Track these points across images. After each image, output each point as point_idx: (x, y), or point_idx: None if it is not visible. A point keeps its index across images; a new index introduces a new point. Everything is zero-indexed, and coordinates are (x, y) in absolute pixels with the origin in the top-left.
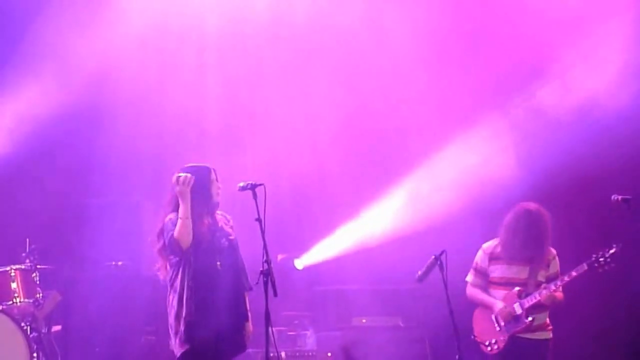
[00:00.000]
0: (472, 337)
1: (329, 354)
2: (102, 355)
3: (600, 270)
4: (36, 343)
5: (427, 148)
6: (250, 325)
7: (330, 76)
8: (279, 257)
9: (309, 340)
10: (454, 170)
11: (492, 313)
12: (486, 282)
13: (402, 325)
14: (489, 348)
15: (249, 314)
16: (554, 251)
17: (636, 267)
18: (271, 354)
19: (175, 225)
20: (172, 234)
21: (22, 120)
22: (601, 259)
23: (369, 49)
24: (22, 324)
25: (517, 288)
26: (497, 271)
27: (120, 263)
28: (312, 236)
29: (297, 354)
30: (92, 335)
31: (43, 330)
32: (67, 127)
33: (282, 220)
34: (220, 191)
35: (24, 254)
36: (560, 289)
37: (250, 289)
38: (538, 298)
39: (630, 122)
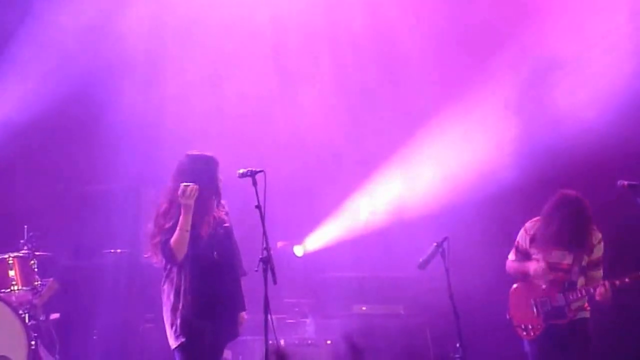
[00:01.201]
0: (507, 317)
1: (329, 342)
2: (101, 342)
3: None
4: (34, 331)
5: (429, 134)
6: (244, 314)
7: (329, 59)
8: (279, 244)
9: (309, 328)
10: (455, 157)
11: (535, 296)
12: (527, 256)
13: (402, 312)
14: (524, 332)
15: (244, 302)
16: (599, 235)
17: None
18: (270, 342)
19: (171, 226)
20: (169, 245)
21: (21, 108)
22: None
23: (362, 39)
24: (20, 312)
25: (560, 275)
26: (540, 254)
27: (119, 251)
28: (312, 223)
29: (297, 341)
30: (90, 323)
31: (41, 318)
32: (64, 114)
33: (282, 207)
34: (220, 183)
35: (22, 241)
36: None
37: (245, 274)
38: (583, 294)
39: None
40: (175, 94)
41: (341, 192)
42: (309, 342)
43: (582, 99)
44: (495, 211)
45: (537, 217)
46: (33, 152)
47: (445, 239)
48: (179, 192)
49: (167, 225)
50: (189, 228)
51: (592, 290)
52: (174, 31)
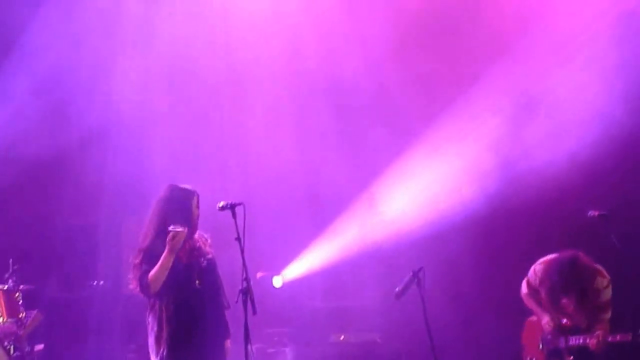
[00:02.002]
0: (521, 343)
1: None
2: None
3: None
4: None
5: (405, 164)
6: (229, 343)
7: (306, 98)
8: (258, 275)
9: (288, 357)
10: (429, 187)
11: (540, 331)
12: (538, 297)
13: (379, 341)
14: None
15: (229, 331)
16: (605, 280)
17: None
18: None
19: (150, 258)
20: (146, 278)
21: (4, 144)
22: None
23: (341, 79)
24: (5, 343)
25: (565, 320)
26: (545, 298)
27: (101, 282)
28: (290, 254)
29: None
30: (74, 354)
31: (26, 349)
32: (48, 149)
33: (261, 239)
34: (197, 215)
35: (6, 275)
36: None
37: (228, 307)
38: (581, 342)
39: (608, 137)
40: (158, 130)
41: (318, 224)
42: None
43: (554, 131)
44: (469, 241)
45: (546, 258)
46: (17, 186)
47: (421, 268)
48: (169, 237)
49: (147, 258)
50: (169, 267)
51: (588, 339)
52: (159, 75)
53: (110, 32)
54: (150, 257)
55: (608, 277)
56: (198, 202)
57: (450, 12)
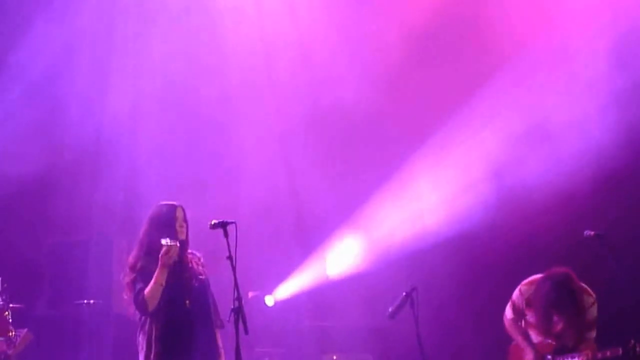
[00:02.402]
0: None
1: None
2: None
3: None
4: None
5: (397, 181)
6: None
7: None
8: (250, 294)
9: None
10: (424, 205)
11: (525, 356)
12: (522, 320)
13: None
14: None
15: (222, 351)
16: (591, 298)
17: (609, 303)
18: None
19: (143, 277)
20: (142, 296)
21: None
22: (638, 348)
23: (334, 98)
24: None
25: (551, 341)
26: (534, 317)
27: (92, 301)
28: (283, 273)
29: None
30: None
31: None
32: (37, 167)
33: (253, 258)
34: (185, 229)
35: None
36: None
37: (222, 326)
38: None
39: (605, 155)
40: (150, 149)
41: (310, 242)
42: None
43: (548, 151)
44: (463, 260)
45: (532, 278)
46: (6, 204)
47: (414, 288)
48: (162, 252)
49: (139, 276)
50: (163, 283)
51: (577, 358)
52: (151, 96)
53: (102, 51)
54: (142, 275)
55: (594, 295)
56: (185, 216)
57: (447, 34)
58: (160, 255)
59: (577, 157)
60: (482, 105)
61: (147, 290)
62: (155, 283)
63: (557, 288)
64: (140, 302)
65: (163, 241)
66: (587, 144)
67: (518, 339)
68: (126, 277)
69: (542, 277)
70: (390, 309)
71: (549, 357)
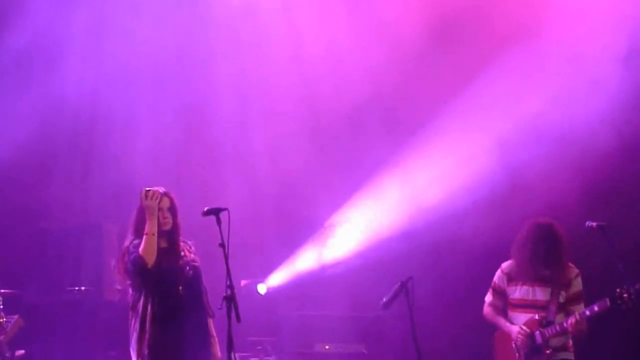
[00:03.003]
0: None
1: None
2: None
3: (624, 307)
4: None
5: (392, 171)
6: (217, 350)
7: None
8: (243, 282)
9: None
10: (419, 195)
11: (511, 340)
12: (505, 303)
13: (365, 352)
14: None
15: (215, 339)
16: (576, 270)
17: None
18: None
19: (137, 246)
20: (137, 254)
21: None
22: (625, 295)
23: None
24: None
25: (537, 316)
26: (517, 292)
27: (83, 288)
28: (276, 261)
29: None
30: None
31: (7, 355)
32: (25, 152)
33: (246, 245)
34: (170, 220)
35: None
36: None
37: (213, 315)
38: (558, 329)
39: (605, 149)
40: (143, 134)
41: (304, 230)
42: None
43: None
44: (458, 250)
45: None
46: None
47: (410, 278)
48: (142, 194)
49: (131, 249)
50: (155, 231)
51: (565, 324)
52: (144, 80)
53: (97, 34)
54: (135, 246)
55: (577, 270)
56: (172, 204)
57: (447, 26)
58: (141, 200)
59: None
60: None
61: (141, 247)
62: (147, 234)
63: (543, 234)
64: (137, 259)
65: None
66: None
67: (499, 322)
68: (117, 260)
69: (526, 223)
70: (384, 299)
71: (537, 332)
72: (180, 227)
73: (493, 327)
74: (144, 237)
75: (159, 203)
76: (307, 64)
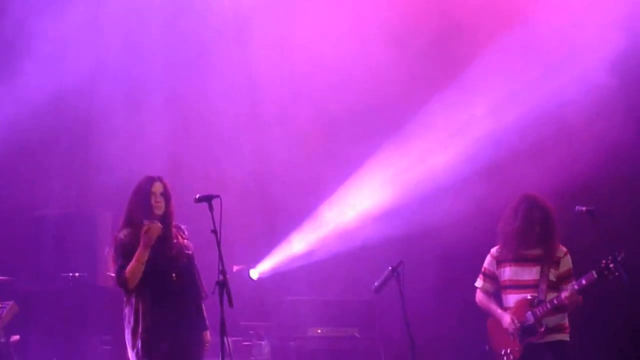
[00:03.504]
0: (486, 348)
1: None
2: None
3: (610, 277)
4: None
5: (383, 159)
6: (208, 335)
7: (281, 83)
8: (235, 268)
9: (265, 350)
10: (411, 181)
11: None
12: (497, 286)
13: (358, 335)
14: (504, 358)
15: (207, 323)
16: (564, 248)
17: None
18: None
19: (127, 252)
20: (123, 273)
21: None
22: (611, 265)
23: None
24: None
25: (529, 296)
26: (506, 274)
27: (77, 274)
28: (268, 247)
29: None
30: (49, 345)
31: (2, 340)
32: (19, 139)
33: (238, 231)
34: (162, 204)
35: None
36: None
37: (206, 296)
38: (549, 307)
39: (594, 135)
40: (138, 122)
41: (296, 216)
42: None
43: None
44: (450, 235)
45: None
46: None
47: (401, 262)
48: (143, 230)
49: (120, 251)
50: (144, 261)
51: (555, 301)
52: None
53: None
54: (123, 250)
55: (565, 248)
56: (165, 189)
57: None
58: (141, 234)
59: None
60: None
61: (128, 268)
62: (136, 261)
63: (535, 202)
64: (121, 280)
65: (145, 221)
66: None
67: (491, 309)
68: (108, 251)
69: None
70: (375, 283)
71: (529, 313)
72: (174, 214)
73: (486, 313)
74: (133, 262)
75: (150, 188)
76: (297, 58)
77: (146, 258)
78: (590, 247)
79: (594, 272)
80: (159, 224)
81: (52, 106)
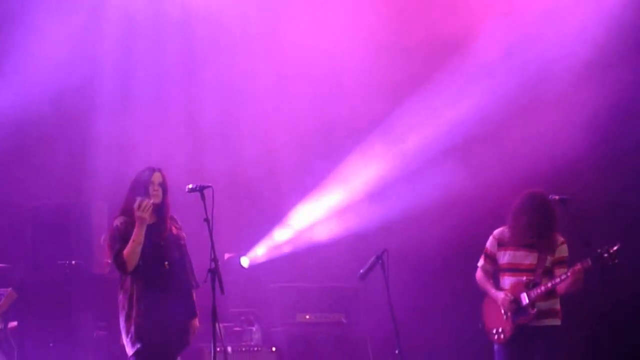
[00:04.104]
0: (480, 326)
1: (274, 349)
2: (56, 349)
3: (604, 265)
4: None
5: (374, 145)
6: (196, 322)
7: (274, 72)
8: (226, 255)
9: (255, 335)
10: (400, 168)
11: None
12: (496, 267)
13: (344, 321)
14: (495, 337)
15: (197, 311)
16: (562, 238)
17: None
18: (218, 349)
19: (123, 237)
20: (121, 255)
21: None
22: (605, 255)
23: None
24: None
25: (524, 278)
26: (505, 257)
27: (73, 262)
28: (258, 235)
29: (243, 349)
30: (46, 331)
31: (0, 327)
32: (16, 131)
33: (229, 220)
34: (159, 193)
35: None
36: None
37: (197, 286)
38: (544, 290)
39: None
40: (134, 113)
41: (285, 205)
42: (255, 349)
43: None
44: (435, 222)
45: (505, 226)
46: None
47: (385, 251)
48: (135, 205)
49: (117, 237)
50: (141, 241)
51: (550, 285)
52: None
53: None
54: (119, 235)
55: (563, 238)
56: (163, 181)
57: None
58: (134, 210)
59: None
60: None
61: (126, 249)
62: (133, 241)
63: (539, 200)
64: (120, 262)
65: (137, 199)
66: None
67: (487, 287)
68: (105, 239)
69: (523, 194)
70: (361, 271)
71: (524, 294)
72: (170, 206)
73: (483, 292)
74: (130, 243)
75: (150, 178)
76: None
77: (143, 237)
78: (563, 235)
79: (589, 259)
80: (150, 200)
81: (49, 98)
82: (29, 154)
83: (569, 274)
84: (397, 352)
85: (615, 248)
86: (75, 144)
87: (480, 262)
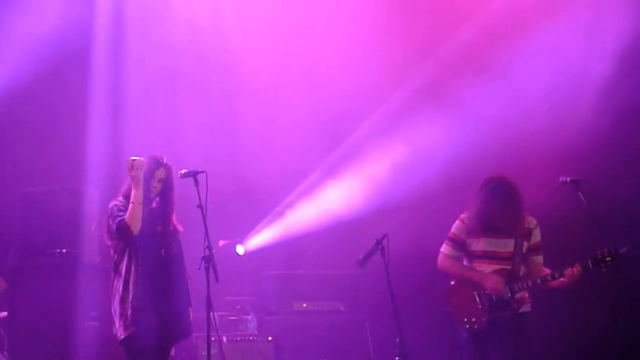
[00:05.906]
0: (447, 309)
1: (270, 338)
2: (47, 339)
3: (604, 269)
4: None
5: (373, 133)
6: (191, 311)
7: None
8: (221, 242)
9: (250, 324)
10: (397, 155)
11: (479, 289)
12: (463, 253)
13: (343, 309)
14: (467, 326)
15: (190, 300)
16: (534, 220)
17: (590, 249)
18: (213, 338)
19: (122, 210)
20: (123, 219)
21: None
22: (608, 259)
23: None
24: None
25: (509, 267)
26: (479, 244)
27: (64, 250)
28: (254, 222)
29: (239, 338)
30: (36, 321)
31: None
32: (5, 115)
33: (224, 206)
34: (158, 189)
35: None
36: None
37: (189, 278)
38: (530, 285)
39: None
40: (123, 99)
41: (281, 192)
42: (251, 338)
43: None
44: (434, 209)
45: (472, 210)
46: None
47: (385, 236)
48: (127, 165)
49: (120, 211)
50: (141, 200)
51: (539, 282)
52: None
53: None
54: (118, 209)
55: (535, 221)
56: (167, 176)
57: None
58: (128, 170)
59: None
60: None
61: (127, 213)
62: (133, 203)
63: (496, 184)
64: (123, 227)
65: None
66: None
67: (465, 270)
68: (104, 219)
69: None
70: (360, 257)
71: (507, 288)
72: (175, 202)
73: (452, 277)
74: (130, 205)
75: (154, 171)
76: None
77: (142, 198)
78: (575, 220)
79: (589, 262)
80: (142, 159)
81: (40, 83)
82: (21, 139)
83: (564, 279)
84: (397, 340)
85: (621, 252)
86: (68, 130)
87: (446, 249)
